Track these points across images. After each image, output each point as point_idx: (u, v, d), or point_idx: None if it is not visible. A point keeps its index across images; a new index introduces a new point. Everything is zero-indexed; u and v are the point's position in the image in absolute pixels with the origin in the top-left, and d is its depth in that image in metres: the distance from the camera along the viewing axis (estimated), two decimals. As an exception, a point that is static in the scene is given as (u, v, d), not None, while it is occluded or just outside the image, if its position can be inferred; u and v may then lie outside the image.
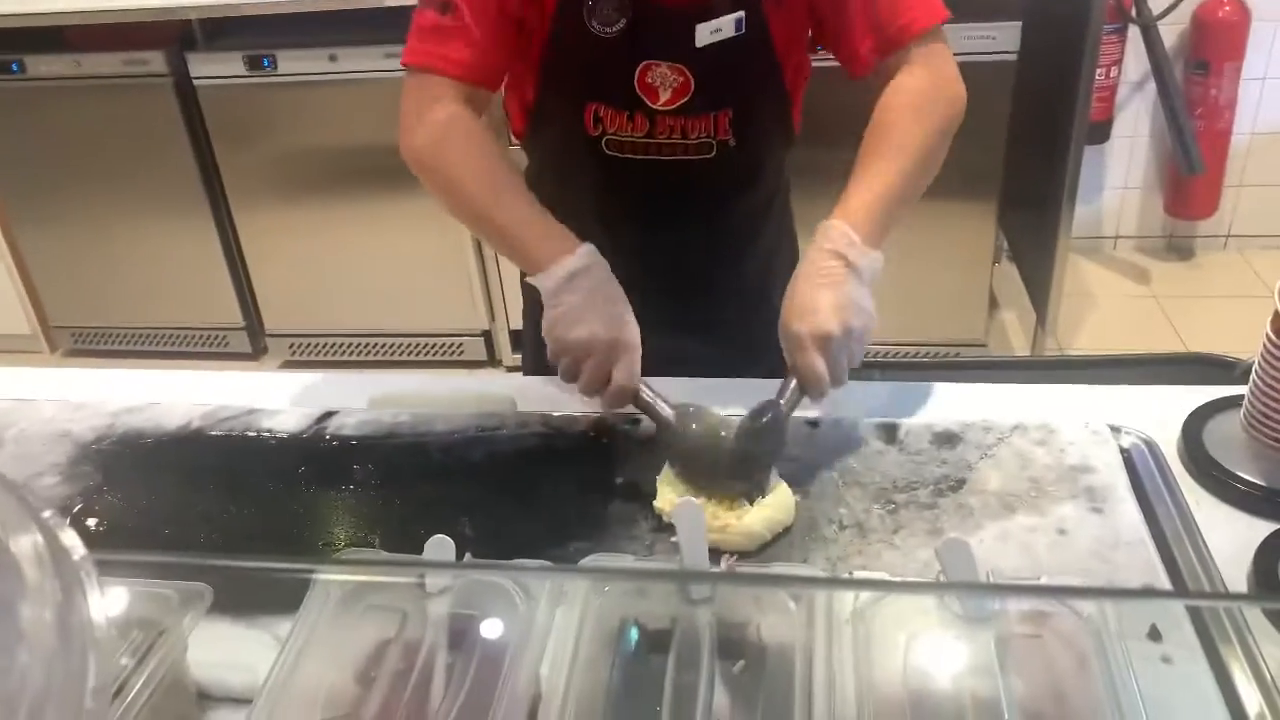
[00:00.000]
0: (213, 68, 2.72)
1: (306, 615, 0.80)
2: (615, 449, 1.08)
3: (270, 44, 2.68)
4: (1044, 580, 0.78)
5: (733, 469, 0.96)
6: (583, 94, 1.17)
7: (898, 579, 0.84)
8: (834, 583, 0.75)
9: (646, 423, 1.09)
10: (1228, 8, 2.91)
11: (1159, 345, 2.80)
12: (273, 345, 3.15)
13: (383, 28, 2.59)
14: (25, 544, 0.36)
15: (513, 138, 1.33)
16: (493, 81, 1.17)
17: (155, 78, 2.75)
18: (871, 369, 1.30)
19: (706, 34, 1.11)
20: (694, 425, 0.99)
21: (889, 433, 1.07)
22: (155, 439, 1.17)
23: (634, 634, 0.74)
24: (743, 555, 0.91)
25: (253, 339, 3.16)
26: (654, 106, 1.15)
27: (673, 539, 0.87)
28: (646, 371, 1.06)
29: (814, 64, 1.25)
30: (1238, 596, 0.80)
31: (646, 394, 1.03)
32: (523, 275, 1.15)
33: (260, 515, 1.05)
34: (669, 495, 0.96)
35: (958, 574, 0.71)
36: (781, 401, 0.99)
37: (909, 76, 1.11)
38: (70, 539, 0.39)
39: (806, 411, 1.07)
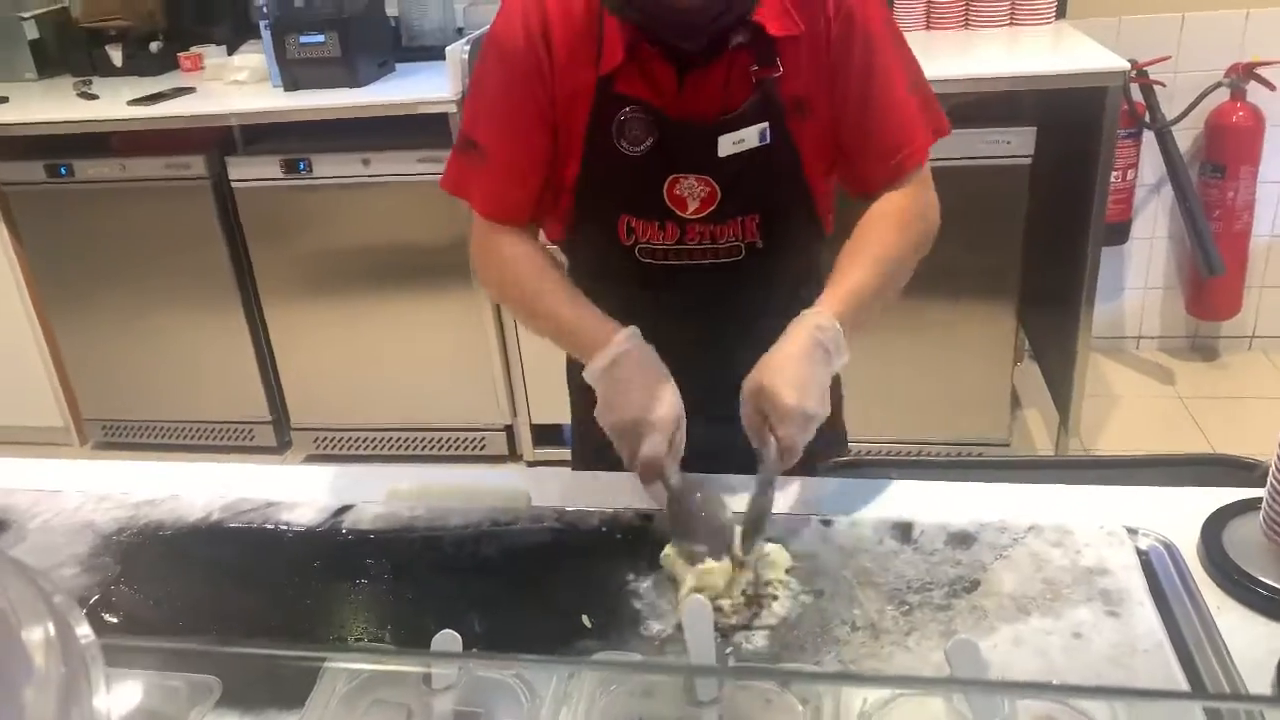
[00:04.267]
0: (250, 170, 2.82)
1: (312, 710, 0.80)
2: (627, 546, 1.08)
3: (306, 148, 2.78)
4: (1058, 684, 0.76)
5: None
6: (616, 208, 1.22)
7: (901, 675, 0.82)
8: (836, 678, 0.74)
9: (658, 519, 1.10)
10: (1241, 113, 2.96)
11: (1184, 446, 2.77)
12: (298, 439, 3.18)
13: (414, 134, 2.69)
14: (37, 631, 0.37)
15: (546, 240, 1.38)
16: (514, 216, 1.24)
17: (195, 180, 2.86)
18: (888, 467, 1.30)
19: (729, 145, 1.16)
20: (696, 495, 1.08)
21: (904, 532, 1.06)
22: (175, 530, 1.18)
23: (639, 735, 0.73)
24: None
25: (278, 433, 3.20)
26: (683, 215, 1.20)
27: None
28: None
29: None
30: (1257, 698, 0.78)
31: (673, 476, 1.08)
32: (568, 369, 1.26)
33: (273, 609, 1.05)
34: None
35: (966, 675, 0.70)
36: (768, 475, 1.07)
37: (899, 192, 1.21)
38: (81, 626, 0.40)
39: (817, 512, 1.07)
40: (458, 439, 3.09)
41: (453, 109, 2.61)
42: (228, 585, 1.09)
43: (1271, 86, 2.91)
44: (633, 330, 1.14)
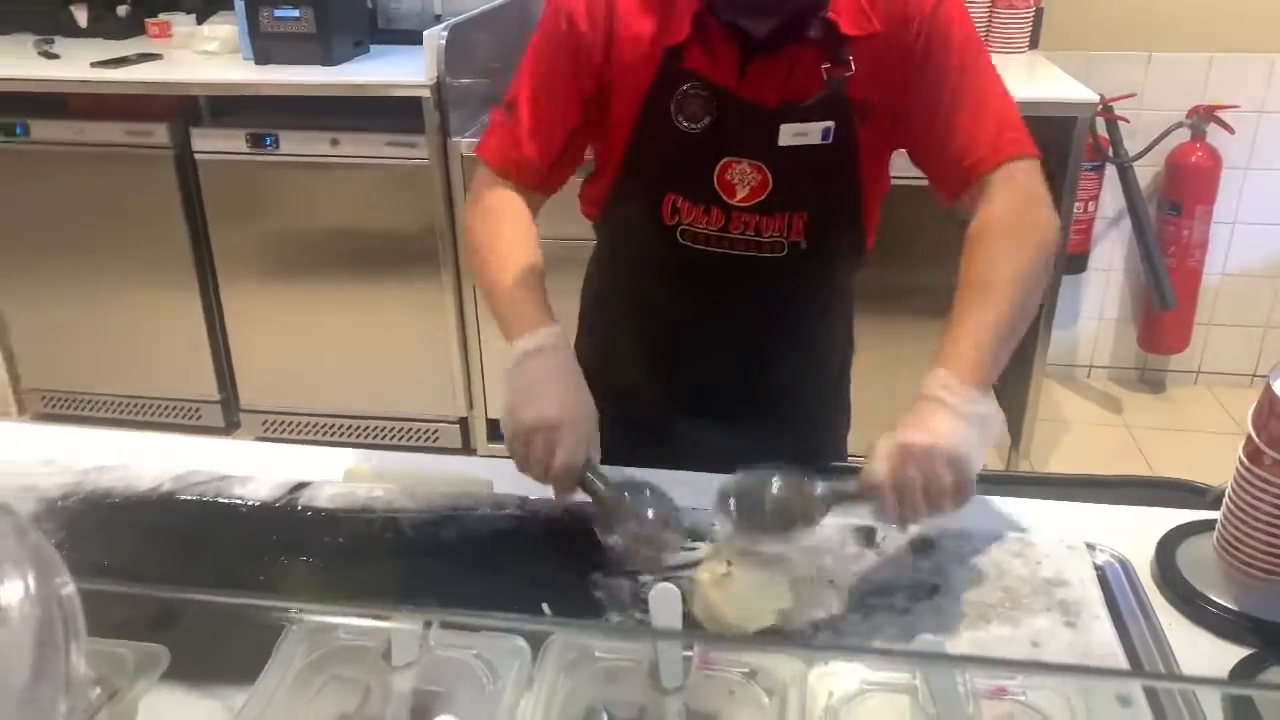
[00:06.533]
0: (215, 143, 2.77)
1: (264, 685, 0.78)
2: (591, 536, 1.07)
3: (274, 123, 2.73)
4: (1016, 686, 0.77)
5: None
6: (662, 185, 1.20)
7: (861, 645, 0.81)
8: (813, 647, 0.74)
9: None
10: (1200, 153, 3.03)
11: (1129, 472, 2.82)
12: (246, 421, 3.12)
13: (385, 116, 2.66)
14: (14, 575, 0.35)
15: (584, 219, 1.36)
16: (532, 181, 1.22)
17: (157, 149, 2.79)
18: (850, 475, 1.31)
19: (790, 135, 1.14)
20: (632, 501, 1.01)
21: (867, 536, 1.06)
22: (123, 499, 1.14)
23: (603, 720, 0.73)
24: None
25: (226, 413, 3.13)
26: (730, 202, 1.18)
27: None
28: (682, 459, 1.08)
29: (893, 181, 1.26)
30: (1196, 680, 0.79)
31: (590, 477, 1.02)
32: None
33: (224, 583, 1.02)
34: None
35: (933, 674, 0.70)
36: (834, 485, 0.96)
37: (998, 202, 1.09)
38: (62, 575, 0.38)
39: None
40: (410, 429, 3.05)
41: (426, 94, 2.58)
42: (178, 557, 1.06)
43: (1230, 129, 2.99)
44: (557, 329, 1.10)
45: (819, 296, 1.30)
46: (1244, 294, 3.25)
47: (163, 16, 3.11)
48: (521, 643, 0.79)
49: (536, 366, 1.06)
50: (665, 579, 0.96)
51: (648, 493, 1.03)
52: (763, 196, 1.17)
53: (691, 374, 1.23)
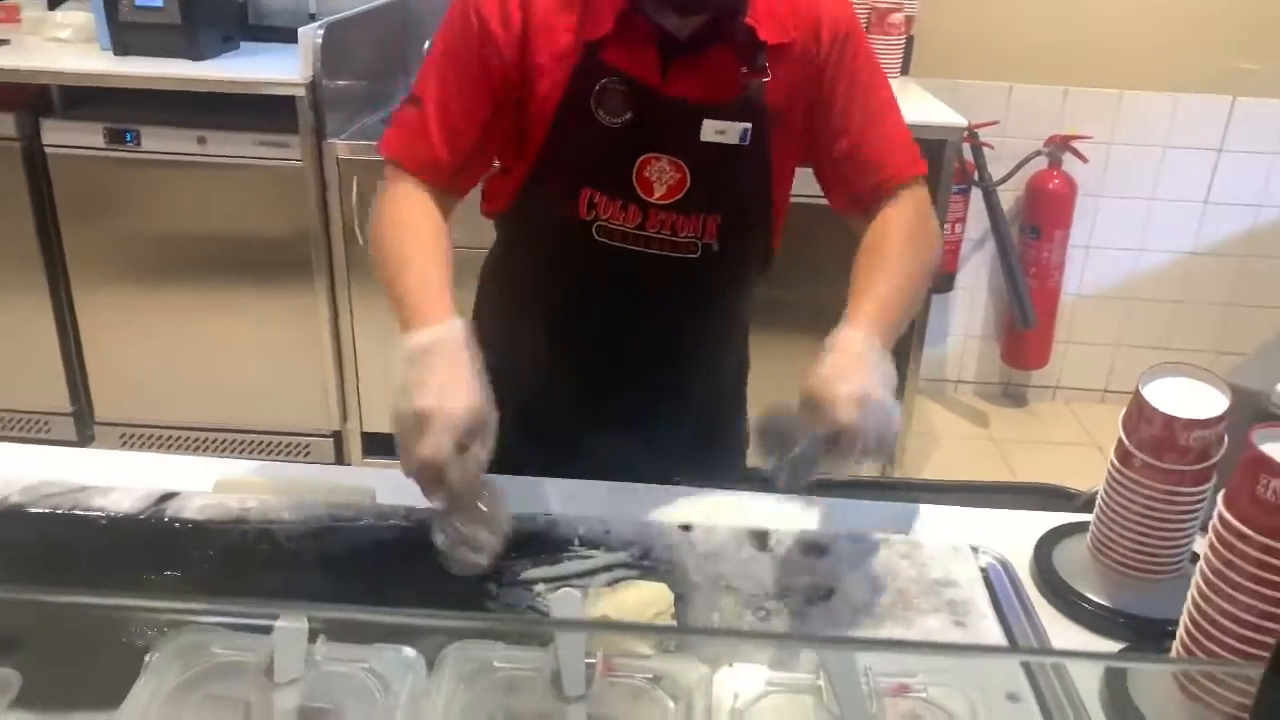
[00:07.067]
0: (68, 136, 2.60)
1: (131, 709, 0.72)
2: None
3: (134, 118, 2.59)
4: (917, 684, 0.78)
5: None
6: (580, 180, 1.18)
7: (760, 633, 0.81)
8: (702, 631, 0.73)
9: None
10: (1057, 180, 3.21)
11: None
12: (101, 434, 2.93)
13: (257, 115, 2.55)
14: None
15: (482, 215, 1.32)
16: (443, 180, 1.17)
17: (2, 140, 2.60)
18: (738, 482, 1.31)
19: (712, 131, 1.15)
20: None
21: (760, 540, 1.07)
22: (-36, 513, 1.05)
23: (502, 733, 0.70)
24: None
25: (80, 426, 2.93)
26: (648, 200, 1.17)
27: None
28: (588, 466, 1.07)
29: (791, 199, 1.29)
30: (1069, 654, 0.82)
31: (454, 471, 0.91)
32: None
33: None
34: None
35: (836, 673, 0.70)
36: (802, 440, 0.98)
37: (898, 209, 1.19)
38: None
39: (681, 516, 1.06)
40: (281, 443, 2.92)
41: (301, 93, 2.49)
42: (29, 575, 0.97)
43: (1084, 159, 3.17)
44: (459, 323, 1.03)
45: (727, 298, 1.32)
46: (1096, 314, 3.45)
47: (9, 1, 2.92)
48: (414, 654, 0.75)
49: (426, 361, 0.97)
50: (560, 587, 0.94)
51: (485, 493, 0.97)
52: (680, 195, 1.17)
53: (597, 375, 1.23)
